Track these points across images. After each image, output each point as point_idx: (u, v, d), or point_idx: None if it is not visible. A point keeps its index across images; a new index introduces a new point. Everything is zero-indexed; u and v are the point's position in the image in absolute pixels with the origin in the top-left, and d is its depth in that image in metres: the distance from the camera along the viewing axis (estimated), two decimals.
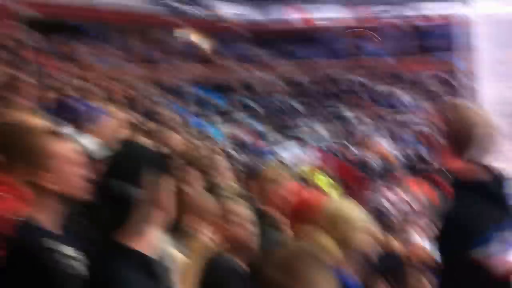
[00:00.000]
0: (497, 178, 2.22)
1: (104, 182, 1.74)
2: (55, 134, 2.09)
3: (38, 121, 2.80)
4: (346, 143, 18.44)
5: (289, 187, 3.36)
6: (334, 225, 2.12)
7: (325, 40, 25.40)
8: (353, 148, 18.37)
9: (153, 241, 1.79)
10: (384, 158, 17.90)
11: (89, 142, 2.62)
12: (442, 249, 2.16)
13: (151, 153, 1.82)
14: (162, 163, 1.77)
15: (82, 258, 2.05)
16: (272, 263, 1.39)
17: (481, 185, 2.14)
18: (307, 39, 24.80)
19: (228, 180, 4.40)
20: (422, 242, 4.05)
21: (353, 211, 2.28)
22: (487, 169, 2.21)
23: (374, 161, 17.45)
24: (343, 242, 2.08)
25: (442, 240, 2.15)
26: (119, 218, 1.74)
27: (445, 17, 24.59)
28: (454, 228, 2.08)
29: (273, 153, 13.51)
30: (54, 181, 1.99)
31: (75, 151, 2.07)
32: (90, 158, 2.33)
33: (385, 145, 18.91)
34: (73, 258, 2.03)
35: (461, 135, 2.14)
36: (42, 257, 1.90)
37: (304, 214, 2.49)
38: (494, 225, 2.01)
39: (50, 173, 1.99)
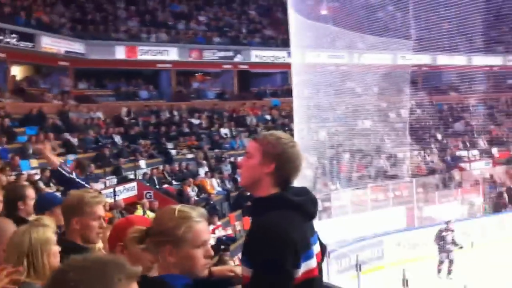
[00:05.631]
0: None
1: None
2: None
3: None
4: (166, 174, 18.26)
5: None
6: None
7: (150, 78, 25.69)
8: (173, 180, 18.30)
9: None
10: (204, 189, 18.13)
11: None
12: None
13: None
14: None
15: None
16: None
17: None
18: (133, 76, 24.89)
19: None
20: None
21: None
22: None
23: (192, 191, 17.44)
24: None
25: None
26: None
27: (271, 64, 26.81)
28: None
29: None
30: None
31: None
32: None
33: (211, 182, 19.18)
34: None
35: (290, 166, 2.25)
36: None
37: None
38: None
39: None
